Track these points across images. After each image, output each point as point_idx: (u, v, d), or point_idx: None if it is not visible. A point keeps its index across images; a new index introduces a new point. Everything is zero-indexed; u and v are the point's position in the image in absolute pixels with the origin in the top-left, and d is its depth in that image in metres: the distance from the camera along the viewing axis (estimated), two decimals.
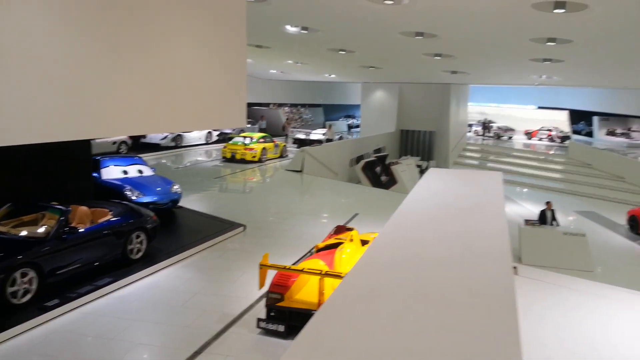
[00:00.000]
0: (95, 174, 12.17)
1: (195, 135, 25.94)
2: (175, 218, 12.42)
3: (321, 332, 1.80)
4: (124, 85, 6.24)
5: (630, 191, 24.67)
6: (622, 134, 42.23)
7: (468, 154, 35.33)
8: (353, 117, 50.15)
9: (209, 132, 27.09)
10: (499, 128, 42.71)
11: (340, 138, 35.12)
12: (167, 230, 10.80)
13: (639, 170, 26.62)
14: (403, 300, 2.03)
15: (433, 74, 22.30)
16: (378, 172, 23.11)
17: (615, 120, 44.06)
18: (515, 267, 2.84)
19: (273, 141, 24.19)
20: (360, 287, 2.22)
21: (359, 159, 24.54)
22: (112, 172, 12.51)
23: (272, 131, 32.04)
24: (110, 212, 8.87)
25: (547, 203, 15.04)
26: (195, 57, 7.52)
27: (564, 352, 2.05)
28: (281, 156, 24.43)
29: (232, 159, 21.90)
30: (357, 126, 41.61)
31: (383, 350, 1.70)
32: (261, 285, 7.01)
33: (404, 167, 24.11)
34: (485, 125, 43.38)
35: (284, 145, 25.44)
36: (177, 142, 24.58)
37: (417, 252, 2.48)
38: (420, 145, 33.04)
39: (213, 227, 11.47)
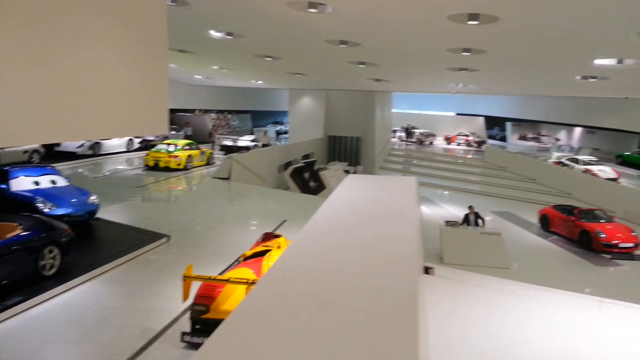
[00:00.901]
0: (3, 186, 11.31)
1: (115, 143, 24.75)
2: (92, 231, 11.75)
3: (223, 345, 1.78)
4: (33, 91, 5.80)
5: (541, 192, 26.55)
6: (533, 138, 45.44)
7: (393, 158, 36.45)
8: (281, 123, 50.21)
9: (130, 140, 25.95)
10: (420, 134, 44.46)
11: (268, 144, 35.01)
12: (83, 244, 10.19)
13: (548, 172, 28.75)
14: (305, 309, 2.04)
15: (358, 82, 22.81)
16: (306, 178, 23.23)
17: (527, 126, 47.40)
18: (431, 268, 2.95)
19: (199, 148, 23.63)
20: (266, 297, 2.20)
21: (287, 165, 24.54)
22: (22, 183, 11.64)
23: (198, 138, 31.35)
24: (20, 226, 8.23)
25: (470, 207, 15.89)
26: (112, 61, 7.14)
27: (473, 350, 2.15)
28: (208, 163, 23.90)
29: (155, 167, 21.11)
30: (286, 132, 41.68)
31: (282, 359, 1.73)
32: (185, 297, 6.77)
33: (332, 173, 24.42)
34: (408, 131, 45.01)
35: (211, 152, 24.93)
36: (95, 150, 23.32)
37: (327, 260, 2.49)
38: (348, 151, 33.68)
39: (134, 239, 10.95)
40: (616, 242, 15.88)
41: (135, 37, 7.53)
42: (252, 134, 39.62)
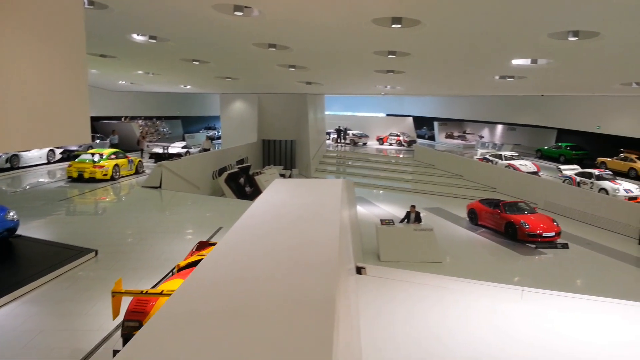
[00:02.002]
0: None
1: (35, 155, 23.26)
2: (12, 249, 10.96)
3: (137, 356, 1.72)
4: None
5: (468, 187, 27.80)
6: (459, 137, 47.51)
7: (329, 160, 36.81)
8: (214, 128, 49.31)
9: (51, 150, 24.49)
10: (354, 135, 45.23)
11: (201, 150, 34.28)
12: (3, 264, 9.48)
13: (474, 168, 30.16)
14: (222, 315, 2.02)
15: (289, 85, 22.84)
16: (242, 183, 22.94)
17: (453, 125, 49.51)
18: (363, 268, 2.99)
19: (126, 157, 22.70)
20: (183, 304, 2.15)
21: (221, 171, 24.13)
22: None
23: (126, 146, 30.17)
24: None
25: (412, 206, 16.41)
26: (26, 67, 6.70)
27: (401, 344, 2.20)
28: (137, 172, 23.02)
29: (79, 179, 20.04)
30: (219, 138, 41.02)
31: None
32: (115, 314, 6.45)
33: (268, 177, 24.27)
34: (341, 133, 45.69)
35: (140, 161, 24.03)
36: (13, 163, 21.80)
37: (246, 265, 2.47)
38: (283, 154, 33.65)
39: (59, 256, 10.32)
40: (539, 232, 16.92)
41: (51, 43, 7.10)
42: (183, 140, 38.64)
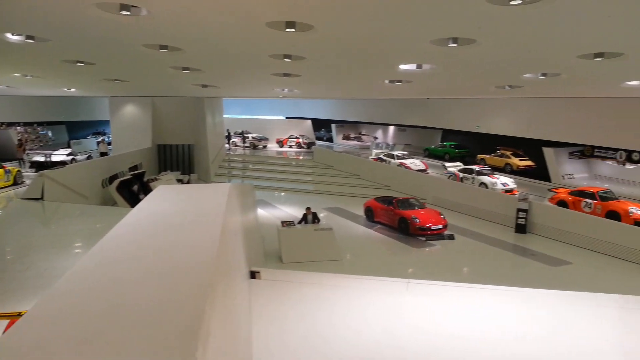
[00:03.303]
0: None
1: None
2: None
3: None
4: None
5: (364, 186, 28.93)
6: (355, 138, 49.24)
7: (228, 164, 36.28)
8: (103, 133, 46.37)
9: None
10: (253, 138, 45.02)
11: (90, 157, 32.18)
12: None
13: (369, 168, 31.45)
14: (90, 325, 1.95)
15: (184, 88, 22.18)
16: (136, 191, 21.81)
17: (349, 127, 51.23)
18: (257, 272, 3.01)
19: (3, 167, 20.63)
20: (48, 312, 2.05)
21: (112, 178, 22.76)
22: None
23: (2, 155, 27.43)
24: None
25: (307, 208, 16.65)
26: None
27: (292, 345, 2.26)
28: (15, 183, 21.02)
29: None
30: (109, 143, 38.70)
31: None
32: None
33: (164, 183, 23.33)
34: (242, 136, 45.29)
35: (18, 171, 21.95)
36: None
37: (115, 275, 2.39)
38: (180, 160, 32.60)
39: None
40: (429, 225, 18.10)
41: None
42: (68, 147, 35.87)
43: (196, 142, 32.43)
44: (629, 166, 26.57)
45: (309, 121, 49.96)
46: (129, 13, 7.91)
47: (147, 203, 2.77)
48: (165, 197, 2.91)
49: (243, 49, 11.34)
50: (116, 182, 20.90)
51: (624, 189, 25.30)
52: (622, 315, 2.72)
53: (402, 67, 13.18)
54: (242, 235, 3.87)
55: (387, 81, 16.63)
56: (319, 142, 47.54)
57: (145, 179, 23.50)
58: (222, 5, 7.43)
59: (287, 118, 52.55)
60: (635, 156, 25.95)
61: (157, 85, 22.12)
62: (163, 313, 1.85)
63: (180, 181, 26.65)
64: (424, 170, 30.29)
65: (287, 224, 15.02)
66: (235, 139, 45.29)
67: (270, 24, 8.51)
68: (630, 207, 19.54)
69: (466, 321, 2.48)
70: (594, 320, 2.61)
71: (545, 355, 2.12)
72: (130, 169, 25.93)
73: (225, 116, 40.90)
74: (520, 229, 19.88)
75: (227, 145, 42.96)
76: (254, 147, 44.22)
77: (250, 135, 45.43)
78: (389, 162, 32.26)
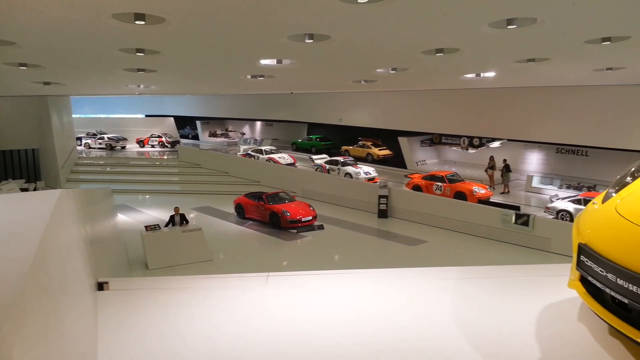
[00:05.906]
0: None
1: None
2: None
3: None
4: None
5: (234, 183, 28.61)
6: (222, 134, 48.35)
7: (82, 168, 33.31)
8: None
9: None
10: (109, 139, 41.85)
11: None
12: None
13: (238, 165, 31.17)
14: None
15: (23, 86, 19.80)
16: None
17: (215, 123, 50.12)
18: (106, 283, 2.78)
19: None
20: None
21: None
22: None
23: None
24: None
25: (175, 208, 15.89)
26: None
27: (142, 357, 2.14)
28: None
29: None
30: None
31: None
32: None
33: (5, 194, 20.68)
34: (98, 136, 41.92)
35: None
36: None
37: None
38: (24, 166, 29.15)
39: None
40: (299, 217, 18.50)
41: None
42: None
43: (41, 146, 29.24)
44: (471, 151, 29.84)
45: (171, 119, 47.85)
46: None
47: None
48: None
49: (89, 43, 10.42)
50: None
51: (468, 171, 28.38)
52: (458, 285, 3.05)
53: (263, 62, 13.21)
54: (87, 246, 3.53)
55: (249, 76, 16.55)
56: (184, 141, 45.81)
57: None
58: None
59: (147, 116, 49.75)
60: (475, 141, 29.20)
61: None
62: None
63: (25, 190, 23.81)
64: (292, 164, 30.85)
65: (151, 228, 14.24)
66: (89, 141, 41.71)
67: (117, 16, 7.92)
68: (474, 187, 21.96)
69: (323, 306, 2.57)
70: (436, 292, 2.89)
71: (396, 328, 2.29)
72: None
73: (75, 116, 37.40)
74: (382, 214, 21.26)
75: (80, 148, 39.42)
76: (111, 148, 41.12)
77: (105, 136, 42.14)
78: (258, 157, 32.29)
